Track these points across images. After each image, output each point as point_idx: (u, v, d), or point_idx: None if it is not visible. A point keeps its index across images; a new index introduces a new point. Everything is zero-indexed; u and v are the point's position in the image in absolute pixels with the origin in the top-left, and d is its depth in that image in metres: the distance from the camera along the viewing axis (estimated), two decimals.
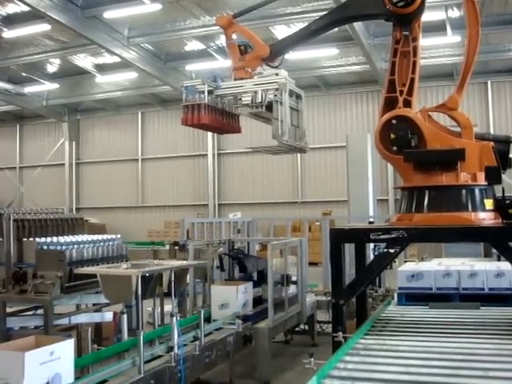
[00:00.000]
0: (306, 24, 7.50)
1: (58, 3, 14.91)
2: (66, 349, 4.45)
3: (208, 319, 7.54)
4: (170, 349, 5.66)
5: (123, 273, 6.12)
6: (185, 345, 5.95)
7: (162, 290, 6.59)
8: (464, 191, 5.89)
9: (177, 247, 9.56)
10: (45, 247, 7.51)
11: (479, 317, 6.24)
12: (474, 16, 6.23)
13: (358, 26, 15.40)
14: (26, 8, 15.24)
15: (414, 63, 6.34)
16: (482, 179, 5.88)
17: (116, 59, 19.39)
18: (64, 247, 7.44)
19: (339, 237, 6.15)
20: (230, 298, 7.98)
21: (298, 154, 19.98)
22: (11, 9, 15.86)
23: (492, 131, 18.91)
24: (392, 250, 5.75)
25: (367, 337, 5.38)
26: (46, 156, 27.77)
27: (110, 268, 6.81)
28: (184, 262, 7.66)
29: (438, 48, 18.13)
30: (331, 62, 20.37)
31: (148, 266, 6.37)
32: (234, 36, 7.23)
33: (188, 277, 7.80)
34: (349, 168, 13.41)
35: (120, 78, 22.28)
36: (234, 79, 7.04)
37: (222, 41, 16.23)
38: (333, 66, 20.53)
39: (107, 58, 20.19)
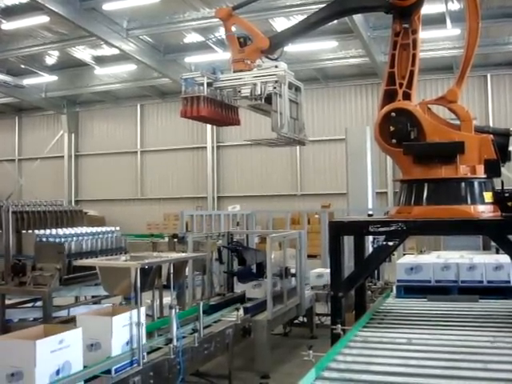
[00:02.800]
0: (305, 16, 7.48)
1: None
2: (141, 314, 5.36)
3: (207, 311, 7.54)
4: (169, 341, 5.67)
5: (122, 265, 6.11)
6: (184, 337, 5.95)
7: (161, 282, 6.59)
8: (463, 184, 5.90)
9: (176, 239, 9.56)
10: (44, 239, 7.50)
11: (478, 309, 6.26)
12: (474, 9, 6.22)
13: (357, 18, 15.34)
14: None
15: (414, 56, 6.34)
16: (481, 172, 5.89)
17: (115, 51, 19.34)
18: (63, 239, 7.44)
19: (338, 229, 6.16)
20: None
21: (297, 147, 19.94)
22: (10, 0, 15.79)
23: (491, 124, 18.88)
24: (391, 243, 5.77)
25: (366, 329, 5.40)
26: (45, 148, 27.72)
27: (109, 260, 6.80)
28: (183, 254, 7.65)
29: (437, 41, 18.08)
30: (330, 55, 20.31)
31: (147, 258, 6.36)
32: (234, 28, 7.21)
33: (187, 269, 7.81)
34: (348, 161, 13.40)
35: (119, 70, 22.22)
36: (234, 71, 7.02)
37: (221, 33, 16.18)
38: (332, 58, 20.47)
39: (106, 50, 20.13)
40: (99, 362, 4.86)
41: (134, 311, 5.31)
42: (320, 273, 10.15)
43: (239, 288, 9.19)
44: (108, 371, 4.87)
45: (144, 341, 5.41)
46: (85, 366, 4.71)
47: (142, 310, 5.41)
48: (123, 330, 5.15)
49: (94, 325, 5.07)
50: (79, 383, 4.56)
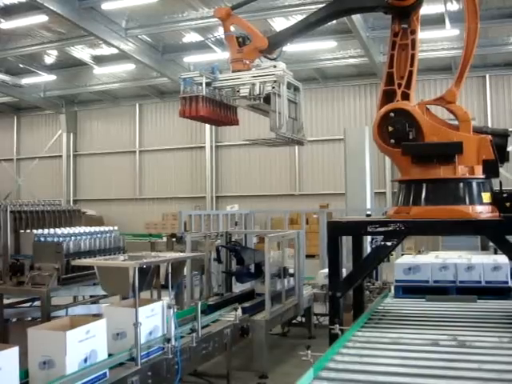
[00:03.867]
0: (304, 16, 7.47)
1: None
2: (162, 307, 5.82)
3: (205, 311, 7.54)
4: (167, 341, 5.67)
5: (120, 264, 6.10)
6: (182, 337, 5.96)
7: (159, 282, 6.59)
8: (461, 184, 5.90)
9: (174, 239, 9.56)
10: (42, 239, 7.49)
11: (476, 310, 6.26)
12: (473, 10, 6.21)
13: (356, 18, 15.36)
14: None
15: (413, 56, 6.34)
16: (479, 172, 5.89)
17: (114, 51, 19.34)
18: (61, 239, 7.43)
19: (337, 229, 6.16)
20: None
21: (296, 147, 19.98)
22: None
23: (490, 125, 18.90)
24: (389, 243, 5.76)
25: (364, 329, 5.39)
26: (43, 148, 27.73)
27: (107, 260, 6.80)
28: (181, 254, 7.65)
29: (436, 41, 18.12)
30: (329, 55, 20.34)
31: (145, 257, 6.35)
32: (232, 28, 7.21)
33: (185, 269, 7.81)
34: (346, 161, 13.39)
35: (118, 69, 22.23)
36: (232, 71, 7.02)
37: (220, 33, 16.18)
38: (331, 58, 20.51)
39: (105, 50, 20.14)
40: (124, 350, 5.23)
41: (158, 303, 5.78)
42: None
43: (237, 288, 9.20)
44: (133, 359, 5.21)
45: (166, 330, 5.78)
46: (110, 354, 5.08)
47: (165, 302, 5.88)
48: (147, 321, 5.50)
49: (119, 315, 5.46)
50: (105, 370, 4.87)
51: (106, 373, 4.89)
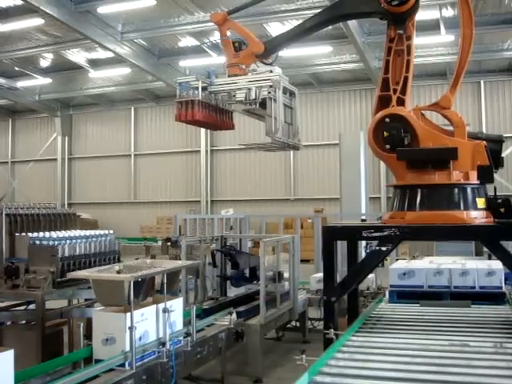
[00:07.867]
0: (300, 21, 7.50)
1: None
2: (178, 304, 6.25)
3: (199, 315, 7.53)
4: (162, 344, 5.67)
5: (115, 278, 6.06)
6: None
7: (154, 291, 6.57)
8: (456, 190, 5.92)
9: (169, 243, 9.55)
10: (37, 242, 7.47)
11: (470, 315, 6.27)
12: (468, 16, 6.25)
13: (352, 23, 15.42)
14: (19, 2, 15.18)
15: (408, 62, 6.37)
16: (474, 178, 5.91)
17: (109, 54, 19.35)
18: (56, 242, 7.41)
19: (332, 234, 6.17)
20: None
21: (291, 152, 19.97)
22: (4, 2, 15.76)
23: (485, 130, 18.97)
24: (384, 248, 5.78)
25: (358, 334, 5.40)
26: (38, 151, 27.69)
27: (101, 271, 6.74)
28: (177, 262, 7.61)
29: (431, 47, 18.20)
30: (325, 60, 20.39)
31: (140, 268, 6.30)
32: (229, 33, 7.22)
33: (180, 276, 7.79)
34: (341, 166, 13.41)
35: (113, 73, 22.23)
36: (228, 76, 7.04)
37: (216, 37, 16.24)
38: (326, 63, 20.55)
39: (100, 53, 20.14)
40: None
41: (173, 301, 6.15)
42: None
43: (232, 292, 9.20)
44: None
45: (181, 326, 6.27)
46: None
47: (180, 299, 6.43)
48: (176, 314, 6.13)
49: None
50: (154, 349, 5.62)
51: (154, 352, 5.59)
